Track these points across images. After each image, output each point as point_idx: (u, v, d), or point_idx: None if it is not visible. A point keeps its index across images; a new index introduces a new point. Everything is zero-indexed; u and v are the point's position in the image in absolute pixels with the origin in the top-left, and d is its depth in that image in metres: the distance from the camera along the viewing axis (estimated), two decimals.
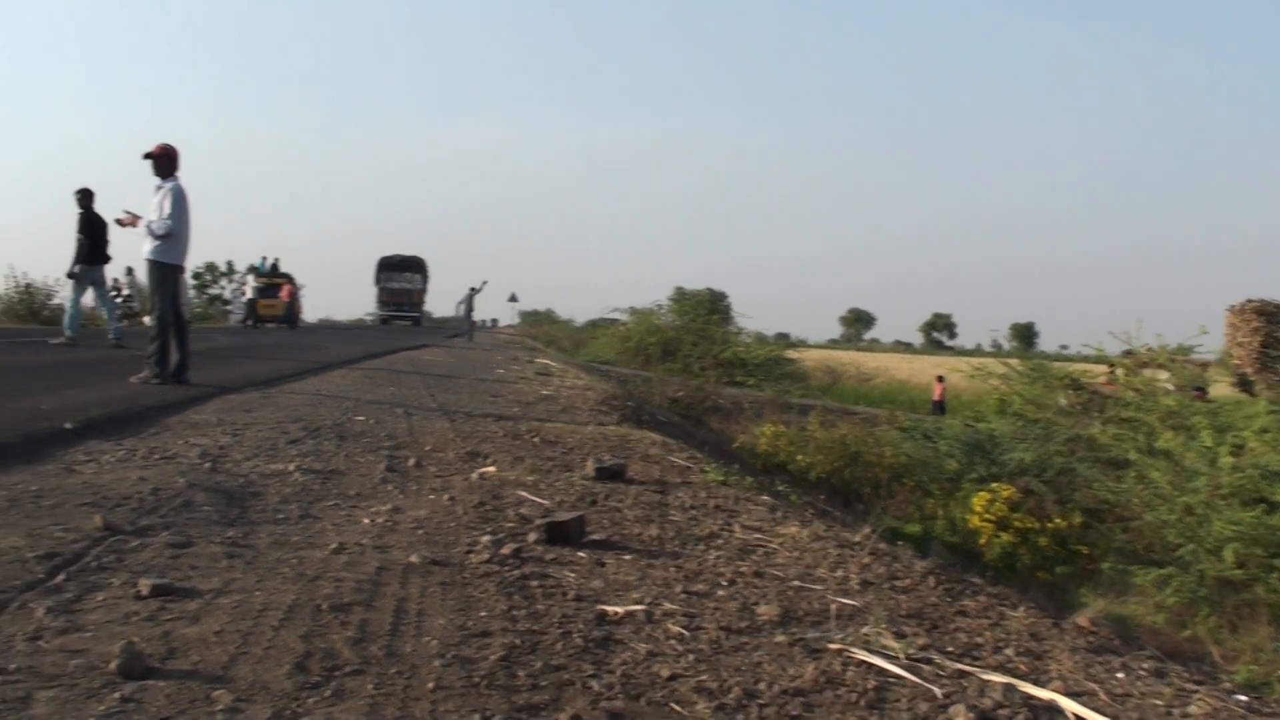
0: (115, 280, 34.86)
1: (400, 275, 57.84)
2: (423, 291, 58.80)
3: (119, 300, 34.67)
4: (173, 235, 10.57)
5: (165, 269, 10.76)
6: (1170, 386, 25.94)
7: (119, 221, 10.95)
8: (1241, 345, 25.44)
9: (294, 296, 41.65)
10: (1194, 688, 3.57)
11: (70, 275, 16.21)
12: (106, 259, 16.54)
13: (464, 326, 40.26)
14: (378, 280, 58.63)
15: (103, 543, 3.98)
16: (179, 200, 10.56)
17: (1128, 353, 28.50)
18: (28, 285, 31.70)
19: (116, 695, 2.53)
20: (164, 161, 10.72)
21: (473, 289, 37.03)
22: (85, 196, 16.02)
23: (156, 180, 10.71)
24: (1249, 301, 25.53)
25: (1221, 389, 18.83)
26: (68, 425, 6.94)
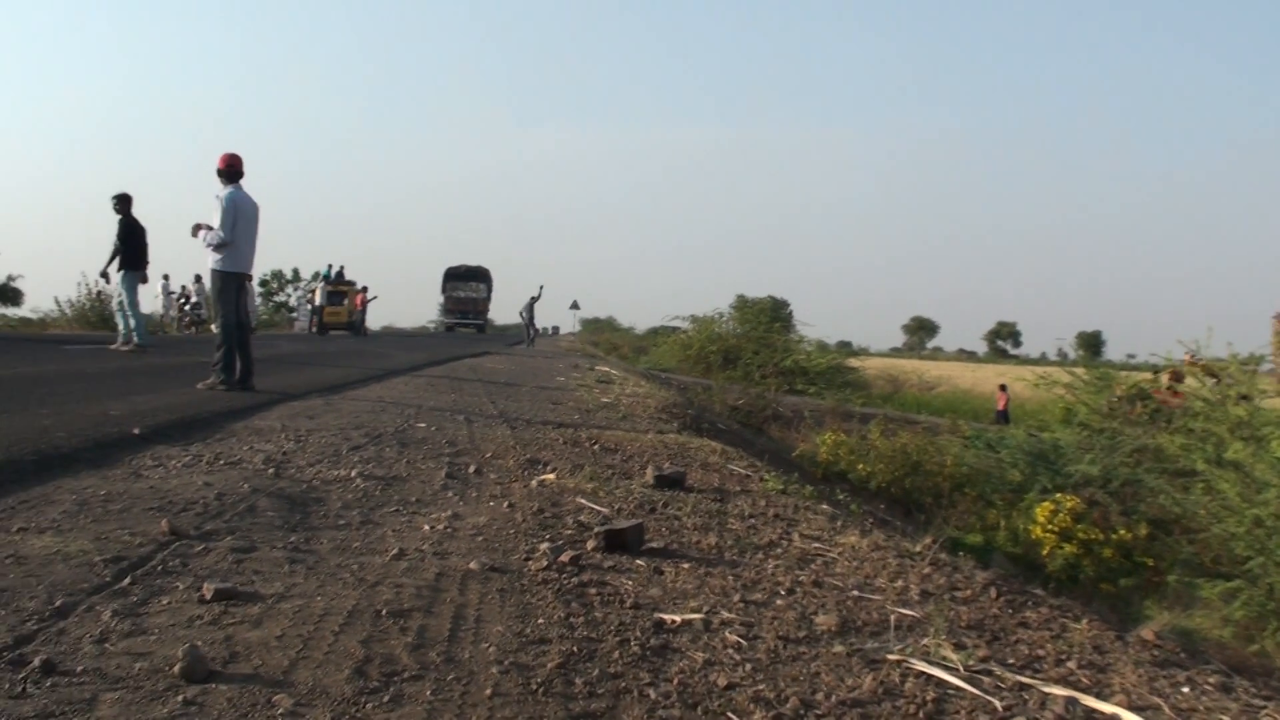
0: (184, 287, 35.56)
1: (466, 285, 60.10)
2: (487, 300, 60.61)
3: (186, 307, 35.36)
4: (229, 244, 10.75)
5: (226, 277, 10.96)
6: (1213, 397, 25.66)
7: (192, 233, 11.07)
8: None
9: (364, 305, 41.98)
10: (1261, 703, 3.50)
11: (103, 275, 16.40)
12: (144, 264, 16.51)
13: (525, 334, 41.32)
14: (444, 289, 60.99)
15: (168, 547, 4.04)
16: (230, 210, 10.69)
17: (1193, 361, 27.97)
18: (99, 292, 32.21)
19: (179, 698, 2.57)
20: (224, 170, 10.91)
21: (533, 297, 38.55)
22: (123, 202, 15.92)
23: (217, 189, 10.89)
24: None
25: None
26: (136, 431, 7.07)
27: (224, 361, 10.76)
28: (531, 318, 40.39)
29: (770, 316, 36.55)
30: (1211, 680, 3.69)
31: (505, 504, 5.47)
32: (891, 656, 3.41)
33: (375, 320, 50.32)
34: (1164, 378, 27.87)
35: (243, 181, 11.02)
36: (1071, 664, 3.61)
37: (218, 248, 10.78)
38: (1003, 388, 35.86)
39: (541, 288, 40.39)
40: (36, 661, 2.71)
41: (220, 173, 10.93)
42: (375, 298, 42.88)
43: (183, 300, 35.76)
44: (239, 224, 10.79)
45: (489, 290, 60.80)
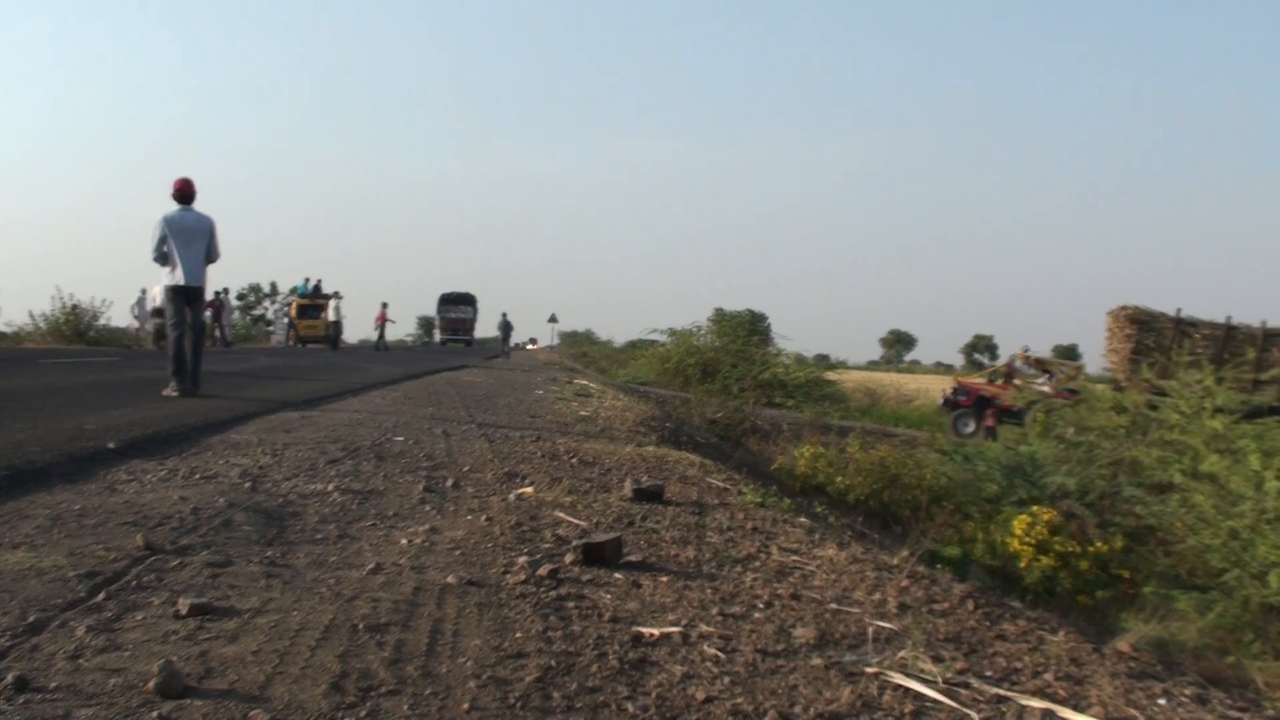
0: (156, 300, 35.39)
1: (457, 307, 69.98)
2: (474, 320, 70.39)
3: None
4: (165, 262, 11.87)
5: (170, 291, 12.02)
6: (1048, 389, 26.69)
7: None
8: (1116, 351, 25.99)
9: (384, 322, 43.14)
10: (1237, 715, 3.52)
11: None
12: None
13: (501, 347, 46.06)
14: (439, 311, 71.15)
15: (143, 562, 4.02)
16: (158, 231, 11.74)
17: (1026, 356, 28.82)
18: (74, 306, 32.02)
19: (154, 714, 2.55)
20: (175, 194, 11.98)
21: (504, 314, 44.49)
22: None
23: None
24: (1123, 308, 25.98)
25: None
26: (111, 445, 7.03)
27: (173, 367, 11.75)
28: (506, 334, 45.39)
29: (748, 329, 36.67)
30: (1187, 692, 3.70)
31: (483, 518, 5.46)
32: (869, 669, 3.41)
33: (353, 333, 50.47)
34: (1001, 371, 28.78)
35: (195, 203, 12.07)
36: (1048, 676, 3.62)
37: (161, 264, 11.93)
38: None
39: (504, 314, 46.15)
40: (9, 678, 2.68)
41: (172, 196, 11.96)
42: (393, 322, 43.97)
43: (158, 313, 35.58)
44: (174, 243, 11.73)
45: (475, 311, 70.04)
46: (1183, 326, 25.23)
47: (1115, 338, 26.16)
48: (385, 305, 42.58)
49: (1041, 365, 29.76)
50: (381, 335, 43.29)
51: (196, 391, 11.80)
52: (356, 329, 51.05)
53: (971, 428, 28.33)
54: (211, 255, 12.19)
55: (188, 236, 11.82)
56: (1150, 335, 25.34)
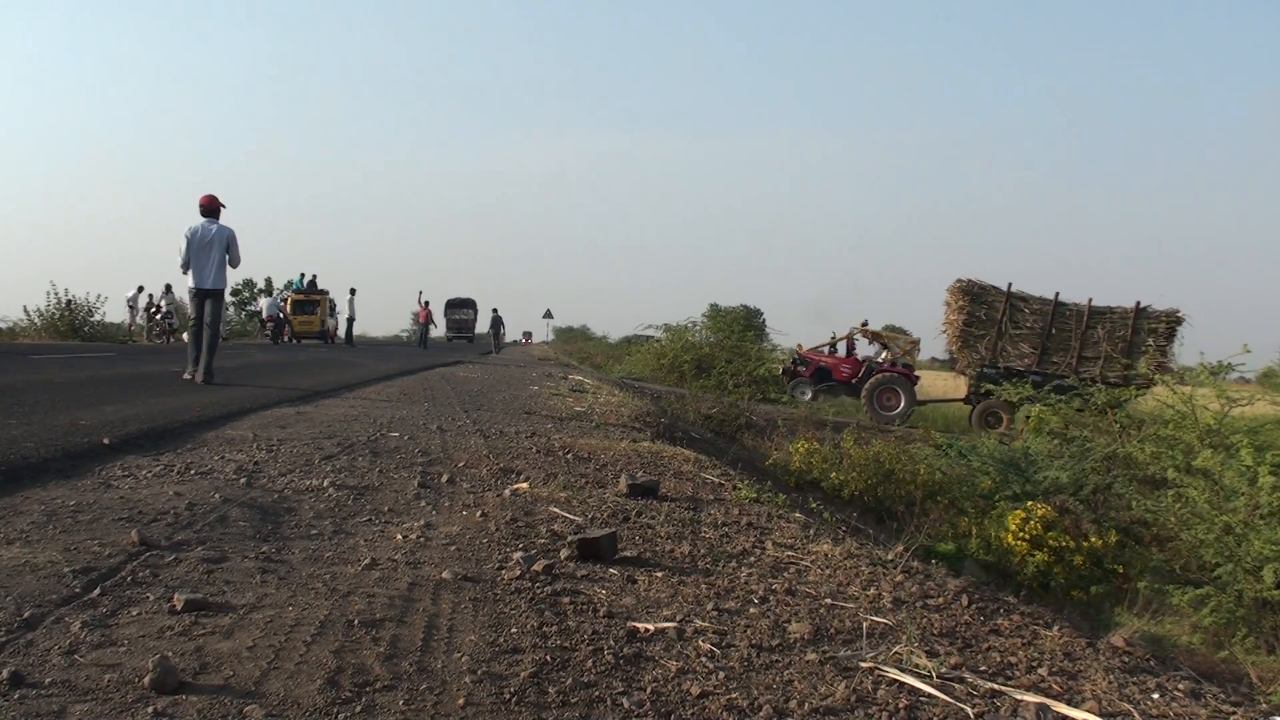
0: (151, 297, 35.43)
1: (461, 310, 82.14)
2: (474, 320, 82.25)
3: (158, 316, 35.23)
4: (187, 269, 13.58)
5: (190, 292, 14.00)
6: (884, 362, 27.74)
7: None
8: (951, 323, 26.79)
9: (428, 319, 44.19)
10: (1231, 709, 3.53)
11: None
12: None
13: (493, 344, 47.70)
14: (446, 313, 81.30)
15: (138, 558, 4.02)
16: (182, 241, 13.41)
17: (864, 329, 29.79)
18: (69, 302, 31.99)
19: (149, 710, 2.56)
20: (200, 208, 13.67)
21: (495, 310, 46.63)
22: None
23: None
24: (958, 281, 26.67)
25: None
26: (105, 440, 7.02)
27: (192, 355, 13.62)
28: (497, 330, 47.48)
29: (743, 325, 36.82)
30: (1181, 686, 3.71)
31: (478, 513, 5.46)
32: (864, 664, 3.42)
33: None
34: (841, 343, 29.48)
35: (221, 215, 13.73)
36: (1043, 671, 3.63)
37: (184, 271, 13.71)
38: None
39: (495, 309, 47.99)
40: (5, 673, 2.69)
41: (199, 210, 13.62)
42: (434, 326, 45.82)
43: (154, 310, 35.61)
44: (193, 251, 13.41)
45: (475, 313, 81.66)
46: (1013, 301, 25.98)
47: (950, 310, 26.97)
48: (427, 304, 43.25)
49: (878, 338, 30.38)
50: (425, 332, 44.51)
51: (210, 383, 13.05)
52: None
53: (809, 395, 28.99)
54: (232, 260, 13.80)
55: (206, 245, 13.44)
56: (981, 308, 26.17)
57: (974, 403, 26.89)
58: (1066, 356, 25.45)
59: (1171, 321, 25.14)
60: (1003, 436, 19.75)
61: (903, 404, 27.75)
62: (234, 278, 13.81)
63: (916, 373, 30.14)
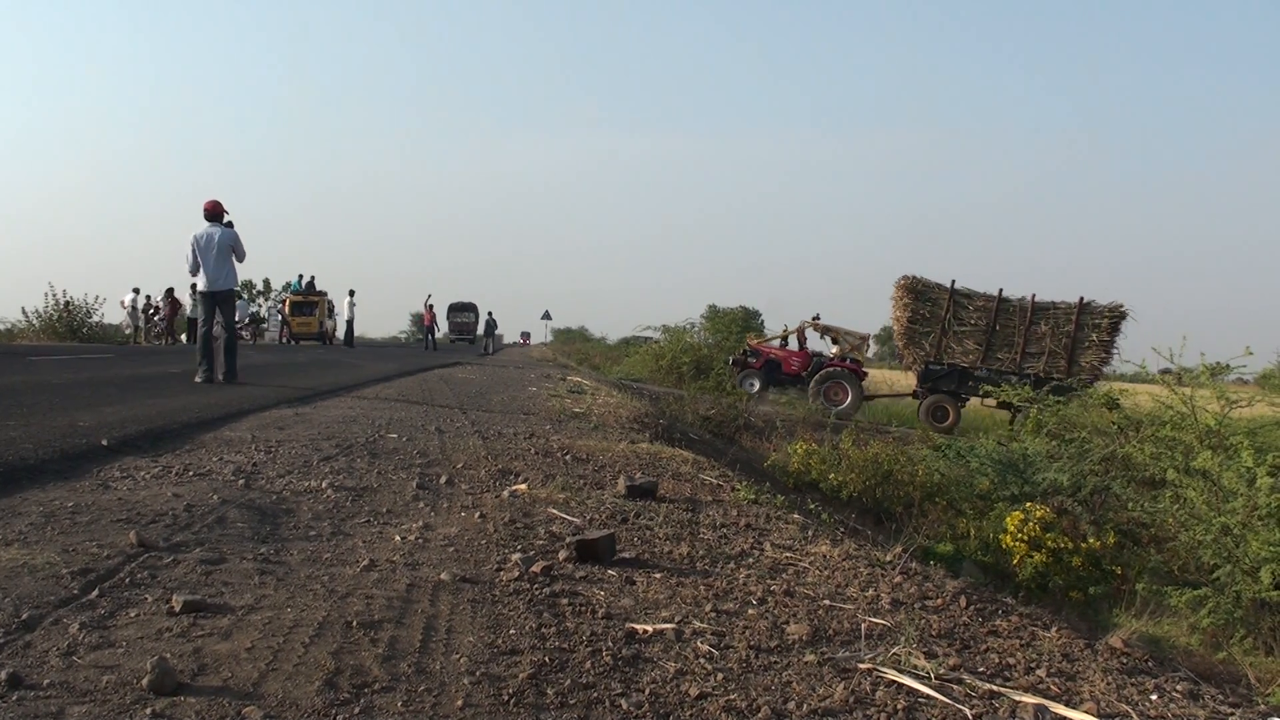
0: (148, 298, 35.49)
1: (463, 314, 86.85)
2: (475, 323, 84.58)
3: (156, 318, 35.24)
4: (195, 272, 14.09)
5: (199, 295, 14.48)
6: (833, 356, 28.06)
7: None
8: (897, 320, 27.21)
9: (434, 319, 46.05)
10: (1229, 710, 3.53)
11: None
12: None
13: (486, 345, 49.43)
14: (449, 316, 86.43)
15: (137, 559, 4.02)
16: (188, 246, 13.92)
17: (814, 322, 30.55)
18: (67, 303, 31.97)
19: (148, 711, 2.55)
20: (205, 213, 14.13)
21: (490, 313, 49.26)
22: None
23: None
24: (903, 278, 26.98)
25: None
26: (104, 442, 7.02)
27: (199, 357, 13.81)
28: (490, 332, 49.91)
29: (741, 326, 36.82)
30: (1179, 688, 3.71)
31: (477, 514, 5.46)
32: (863, 665, 3.42)
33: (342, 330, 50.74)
34: (793, 336, 29.88)
35: (225, 217, 14.25)
36: (1041, 672, 3.63)
37: (192, 275, 14.28)
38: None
39: (490, 312, 50.96)
40: (3, 675, 2.68)
41: (203, 215, 14.10)
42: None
43: (152, 312, 35.63)
44: (200, 255, 13.89)
45: (476, 317, 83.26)
46: (957, 297, 26.33)
47: (896, 307, 27.31)
48: (432, 307, 43.67)
49: (829, 333, 30.71)
50: (431, 334, 45.75)
51: (234, 382, 13.80)
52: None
53: (757, 387, 29.41)
54: (238, 256, 14.28)
55: (211, 249, 13.90)
56: (926, 305, 26.53)
57: (922, 398, 27.22)
58: (1011, 352, 25.82)
59: (1115, 316, 25.48)
60: (947, 432, 20.20)
61: (850, 399, 28.01)
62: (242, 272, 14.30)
63: (865, 369, 30.53)
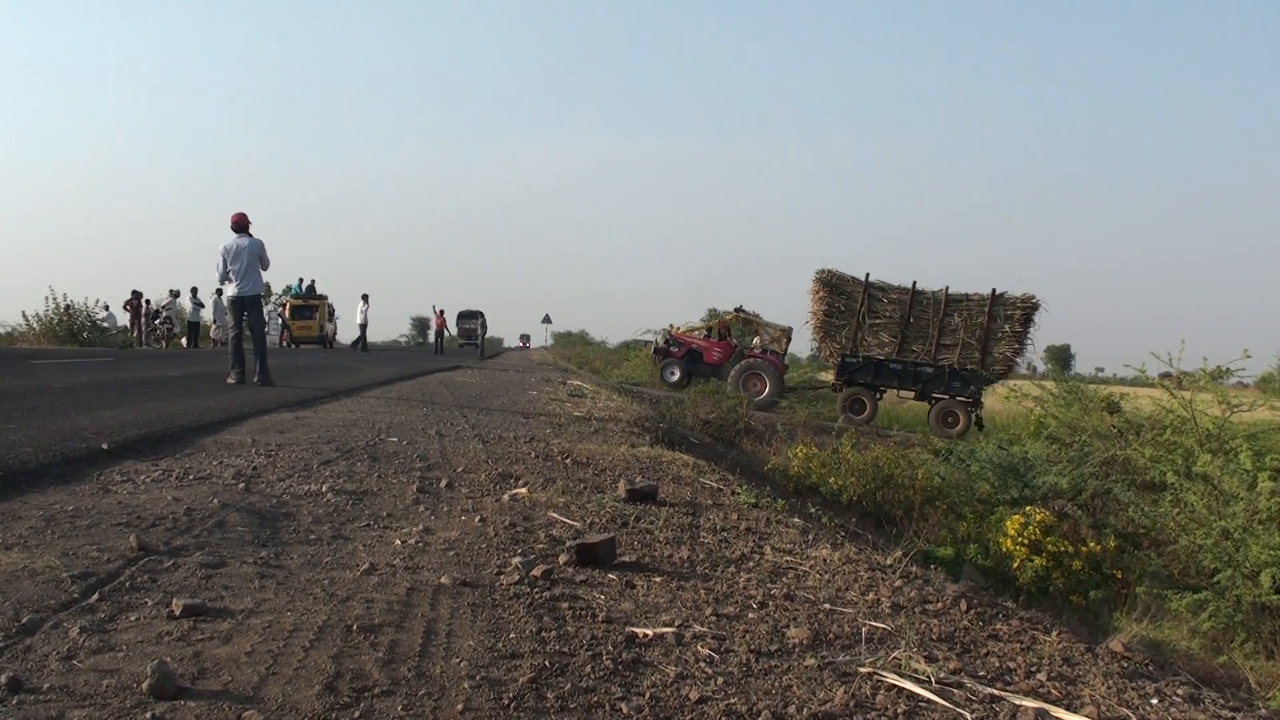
0: (148, 302, 35.51)
1: (470, 320, 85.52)
2: (479, 329, 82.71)
3: (157, 321, 35.29)
4: (225, 280, 15.15)
5: (229, 301, 15.36)
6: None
7: None
8: (814, 313, 27.61)
9: (444, 326, 46.62)
10: (1230, 714, 3.53)
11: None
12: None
13: (479, 348, 51.65)
14: (457, 322, 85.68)
15: (137, 563, 4.02)
16: (219, 257, 14.85)
17: (739, 314, 31.02)
18: (68, 307, 31.95)
19: (148, 715, 2.55)
20: (232, 225, 14.98)
21: (482, 315, 52.69)
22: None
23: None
24: (818, 272, 27.45)
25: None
26: (104, 446, 7.02)
27: (232, 360, 14.83)
28: (483, 336, 55.31)
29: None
30: (1180, 692, 3.71)
31: (477, 518, 5.46)
32: (863, 669, 3.41)
33: (345, 334, 50.78)
34: (714, 327, 30.31)
35: (250, 227, 15.10)
36: (1042, 676, 3.63)
37: (222, 283, 15.39)
38: None
39: (481, 313, 54.39)
40: (3, 679, 2.68)
41: (230, 227, 14.95)
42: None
43: (154, 315, 35.65)
44: (229, 265, 14.83)
45: (482, 324, 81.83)
46: (871, 290, 26.75)
47: (813, 300, 27.71)
48: (442, 312, 44.23)
49: (752, 325, 31.12)
50: (441, 339, 46.19)
51: (268, 383, 14.71)
52: (346, 331, 51.79)
53: (677, 376, 29.90)
54: (263, 264, 15.20)
55: (240, 258, 14.84)
56: (841, 298, 26.98)
57: (839, 390, 27.68)
58: (925, 344, 26.24)
59: (1028, 308, 25.85)
60: (865, 424, 20.76)
61: (768, 390, 28.55)
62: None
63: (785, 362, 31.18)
